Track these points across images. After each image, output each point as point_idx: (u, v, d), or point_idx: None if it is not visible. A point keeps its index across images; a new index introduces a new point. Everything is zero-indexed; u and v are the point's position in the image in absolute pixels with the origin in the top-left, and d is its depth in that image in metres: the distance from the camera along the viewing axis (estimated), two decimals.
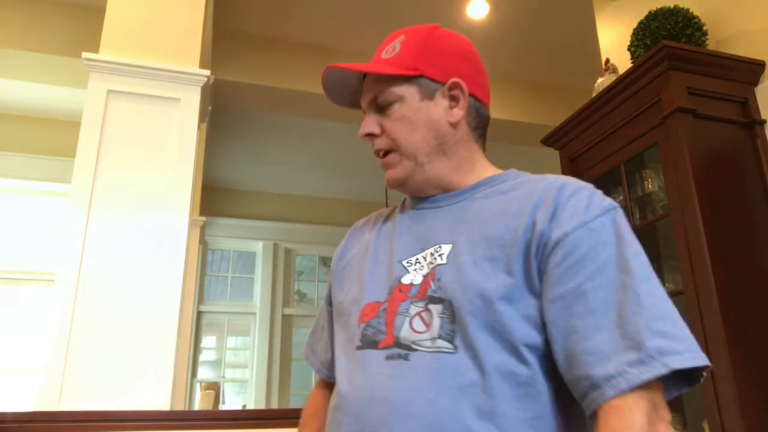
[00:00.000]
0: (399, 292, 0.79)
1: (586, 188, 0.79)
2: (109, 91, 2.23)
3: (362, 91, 0.89)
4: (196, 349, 5.61)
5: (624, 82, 2.12)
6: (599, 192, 0.80)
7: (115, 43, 2.32)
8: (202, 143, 3.69)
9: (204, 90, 2.36)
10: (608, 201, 0.78)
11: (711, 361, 1.71)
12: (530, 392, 0.71)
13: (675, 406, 2.06)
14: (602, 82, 2.36)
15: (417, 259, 0.81)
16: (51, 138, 4.16)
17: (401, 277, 0.80)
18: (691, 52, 1.99)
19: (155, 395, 1.90)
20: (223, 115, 4.41)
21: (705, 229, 1.79)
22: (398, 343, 0.75)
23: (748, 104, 2.03)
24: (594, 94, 2.31)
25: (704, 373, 0.72)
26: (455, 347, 0.72)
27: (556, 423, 0.72)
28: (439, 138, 0.85)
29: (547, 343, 0.72)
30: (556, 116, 2.83)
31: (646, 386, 0.66)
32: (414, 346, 0.74)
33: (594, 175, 2.32)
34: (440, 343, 0.73)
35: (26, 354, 3.79)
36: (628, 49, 2.29)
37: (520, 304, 0.73)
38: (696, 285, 1.79)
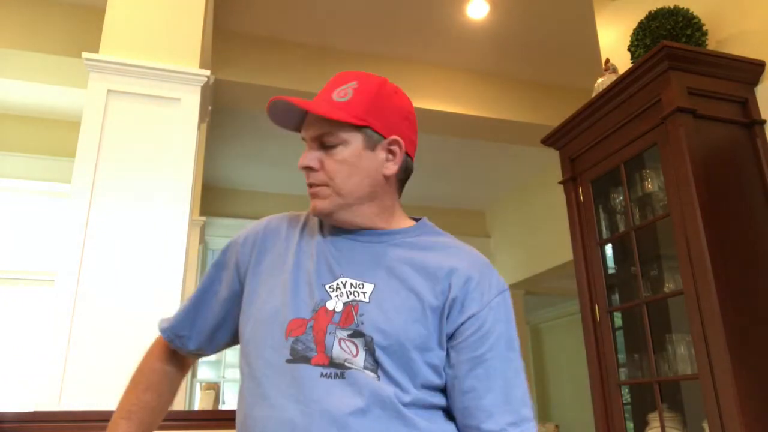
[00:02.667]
0: (324, 314, 0.86)
1: (490, 266, 0.95)
2: (109, 91, 2.23)
3: (306, 122, 0.94)
4: None
5: (624, 82, 2.12)
6: (496, 271, 0.96)
7: (115, 43, 2.32)
8: (202, 143, 3.69)
9: (204, 90, 2.36)
10: (502, 282, 0.94)
11: (711, 361, 1.72)
12: (440, 414, 0.88)
13: (675, 406, 2.06)
14: (602, 82, 2.36)
15: (337, 285, 0.88)
16: (51, 138, 4.16)
17: (325, 301, 0.87)
18: (691, 52, 1.99)
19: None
20: (223, 115, 4.42)
21: (705, 229, 1.79)
22: (333, 363, 0.83)
23: (748, 104, 2.03)
24: (594, 94, 2.31)
25: None
26: (378, 377, 0.83)
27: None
28: (372, 186, 0.92)
29: (444, 386, 0.88)
30: (556, 116, 2.83)
31: None
32: (347, 365, 0.83)
33: (594, 175, 2.32)
34: (366, 372, 0.83)
35: (26, 354, 3.79)
36: (628, 49, 2.29)
37: (429, 354, 0.86)
38: (696, 285, 1.79)
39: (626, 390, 2.22)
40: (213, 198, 5.66)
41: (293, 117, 0.95)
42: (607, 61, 2.49)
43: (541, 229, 5.91)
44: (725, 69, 2.03)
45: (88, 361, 1.91)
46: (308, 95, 4.28)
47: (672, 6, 2.19)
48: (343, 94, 0.92)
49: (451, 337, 0.88)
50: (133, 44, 2.34)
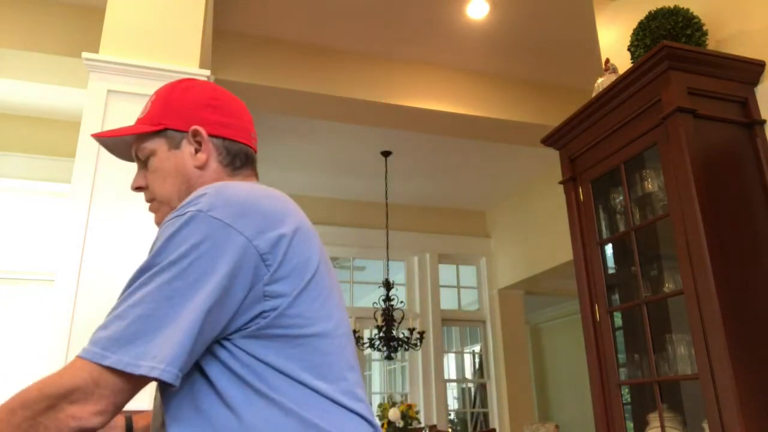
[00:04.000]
0: None
1: (194, 197, 0.81)
2: (109, 91, 2.23)
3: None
4: None
5: (624, 82, 2.12)
6: (199, 197, 0.80)
7: (115, 43, 2.32)
8: None
9: None
10: (191, 207, 0.78)
11: (711, 361, 1.72)
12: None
13: (675, 406, 2.06)
14: (602, 82, 2.36)
15: None
16: (51, 138, 4.16)
17: None
18: (691, 52, 1.99)
19: (155, 395, 1.90)
20: None
21: (705, 229, 1.79)
22: None
23: (748, 104, 2.03)
24: (594, 94, 2.31)
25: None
26: None
27: None
28: (187, 182, 0.92)
29: None
30: (556, 116, 2.83)
31: None
32: None
33: (594, 175, 2.32)
34: None
35: (26, 354, 3.79)
36: (628, 49, 2.29)
37: None
38: (696, 285, 1.79)
39: (626, 390, 2.22)
40: None
41: (128, 148, 0.99)
42: (607, 61, 2.49)
43: (541, 229, 5.91)
44: (725, 69, 2.03)
45: None
46: (308, 95, 4.28)
47: (672, 6, 2.19)
48: (144, 109, 0.96)
49: None
50: (133, 44, 2.34)
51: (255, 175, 0.99)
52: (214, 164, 0.93)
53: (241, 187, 0.81)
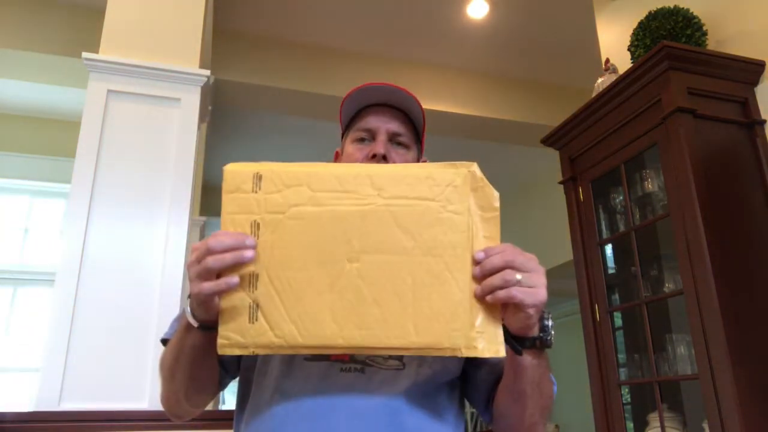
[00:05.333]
0: None
1: None
2: (109, 91, 2.23)
3: (389, 116, 0.99)
4: None
5: (624, 82, 2.12)
6: None
7: (115, 43, 2.32)
8: (202, 143, 3.69)
9: (204, 90, 2.36)
10: None
11: (711, 361, 1.72)
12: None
13: (675, 406, 2.06)
14: (602, 82, 2.36)
15: None
16: (51, 138, 4.16)
17: None
18: (691, 52, 1.99)
19: (155, 395, 1.90)
20: (223, 115, 4.42)
21: (705, 229, 1.79)
22: (353, 359, 0.84)
23: (748, 104, 2.03)
24: (594, 94, 2.31)
25: None
26: (403, 364, 0.84)
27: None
28: None
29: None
30: (556, 116, 2.83)
31: None
32: (369, 362, 0.84)
33: (594, 175, 2.32)
34: (391, 362, 0.84)
35: (26, 354, 3.79)
36: (628, 49, 2.29)
37: None
38: (696, 285, 1.79)
39: (626, 390, 2.22)
40: (213, 198, 5.65)
41: (382, 96, 1.00)
42: (607, 61, 2.49)
43: (541, 229, 5.91)
44: (725, 69, 2.03)
45: (88, 361, 1.91)
46: (308, 95, 4.27)
47: (672, 6, 2.18)
48: (411, 108, 1.00)
49: None
50: (133, 44, 2.34)
51: None
52: None
53: None
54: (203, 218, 3.88)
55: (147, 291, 2.05)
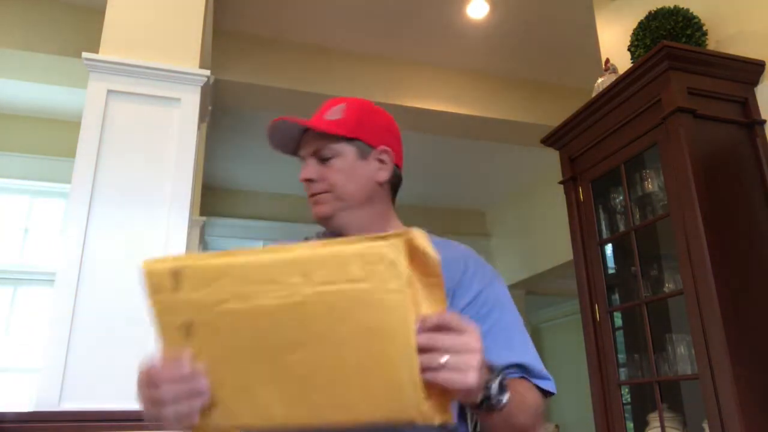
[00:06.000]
0: None
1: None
2: (109, 91, 2.23)
3: (303, 141, 1.04)
4: None
5: (624, 82, 2.12)
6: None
7: (115, 43, 2.32)
8: (202, 143, 3.69)
9: (204, 90, 2.36)
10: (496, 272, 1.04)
11: (711, 361, 1.72)
12: None
13: (675, 406, 2.06)
14: (602, 82, 2.36)
15: None
16: (51, 138, 4.16)
17: None
18: (691, 52, 1.99)
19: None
20: (223, 115, 4.42)
21: (705, 229, 1.79)
22: None
23: (748, 104, 2.03)
24: (594, 94, 2.31)
25: None
26: None
27: None
28: (368, 192, 1.02)
29: None
30: (556, 116, 2.83)
31: None
32: None
33: (594, 175, 2.32)
34: None
35: (26, 354, 3.79)
36: (628, 49, 2.29)
37: None
38: (696, 285, 1.79)
39: (626, 390, 2.22)
40: (213, 198, 5.66)
41: (290, 141, 1.05)
42: (607, 61, 2.49)
43: (541, 229, 5.91)
44: (725, 69, 2.03)
45: (88, 361, 1.91)
46: (308, 95, 4.27)
47: (672, 6, 2.18)
48: (334, 114, 1.03)
49: None
50: (133, 44, 2.33)
51: None
52: (387, 187, 1.05)
53: None
54: (203, 218, 3.88)
55: None
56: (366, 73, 4.18)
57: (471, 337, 0.66)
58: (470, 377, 0.64)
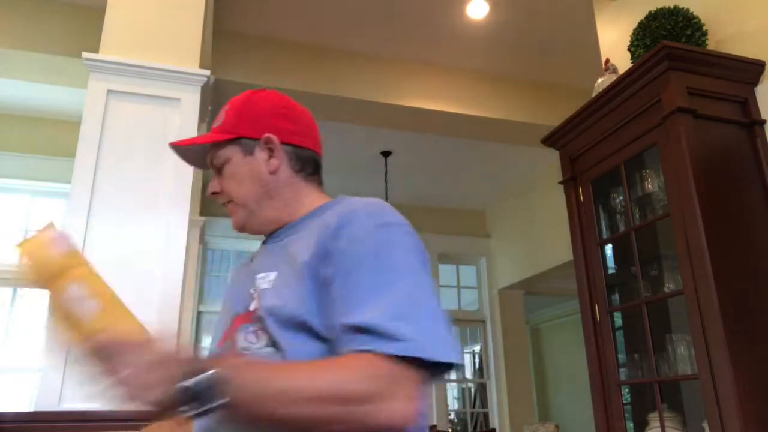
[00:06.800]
0: (243, 317, 0.92)
1: (369, 207, 0.90)
2: (109, 91, 2.23)
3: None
4: (196, 349, 5.60)
5: (624, 82, 2.12)
6: (378, 209, 0.90)
7: (115, 43, 2.32)
8: None
9: (204, 90, 2.36)
10: (380, 216, 0.88)
11: (711, 361, 1.71)
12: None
13: (675, 406, 2.06)
14: (602, 82, 2.36)
15: (256, 285, 0.92)
16: (51, 138, 4.16)
17: (248, 305, 0.92)
18: (691, 52, 1.99)
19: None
20: None
21: (705, 229, 1.79)
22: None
23: (748, 104, 2.03)
24: (594, 94, 2.31)
25: None
26: (277, 351, 0.83)
27: None
28: (263, 186, 0.98)
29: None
30: (556, 116, 2.83)
31: None
32: (245, 352, 0.87)
33: (594, 175, 2.32)
34: (264, 350, 0.85)
35: (26, 354, 3.79)
36: (628, 49, 2.29)
37: (316, 313, 0.84)
38: (696, 285, 1.79)
39: (626, 390, 2.22)
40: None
41: (202, 156, 1.05)
42: (607, 61, 2.49)
43: (541, 229, 5.91)
44: (725, 69, 2.03)
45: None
46: (308, 95, 4.27)
47: (672, 6, 2.19)
48: (218, 119, 1.02)
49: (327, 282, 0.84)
50: (133, 44, 2.34)
51: (321, 183, 1.07)
52: (286, 170, 1.00)
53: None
54: (203, 218, 3.87)
55: (147, 291, 2.05)
56: (366, 73, 4.18)
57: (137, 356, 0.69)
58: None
